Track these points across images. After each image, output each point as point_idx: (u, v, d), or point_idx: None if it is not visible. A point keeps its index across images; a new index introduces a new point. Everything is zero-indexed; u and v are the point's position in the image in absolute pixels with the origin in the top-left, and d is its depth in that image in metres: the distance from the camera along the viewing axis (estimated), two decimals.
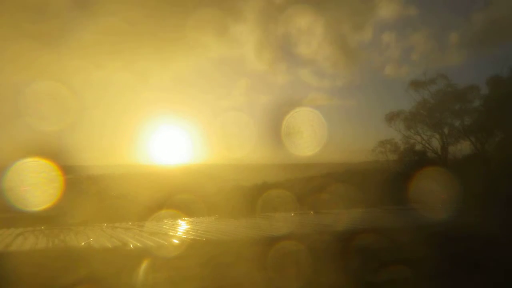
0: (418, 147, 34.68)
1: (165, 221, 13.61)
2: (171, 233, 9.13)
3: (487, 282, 6.34)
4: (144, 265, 4.78)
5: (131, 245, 7.58)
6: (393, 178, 38.21)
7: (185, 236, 8.43)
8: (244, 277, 3.77)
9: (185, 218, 14.21)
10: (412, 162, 35.52)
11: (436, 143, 34.17)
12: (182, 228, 10.83)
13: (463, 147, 33.01)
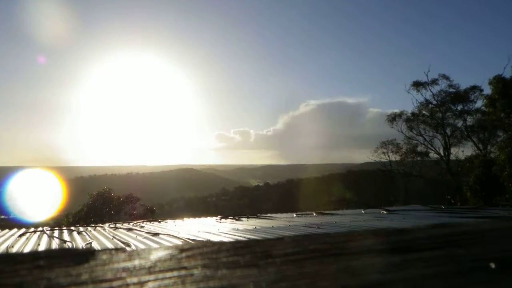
0: (420, 148, 34.65)
1: (167, 221, 13.62)
2: (172, 234, 9.12)
3: None
4: (146, 266, 4.74)
5: (133, 246, 7.59)
6: (395, 179, 38.22)
7: (187, 237, 8.43)
8: (243, 278, 3.73)
9: (187, 218, 14.21)
10: (414, 163, 35.49)
11: (438, 144, 34.13)
12: (184, 228, 10.82)
13: (465, 148, 32.96)
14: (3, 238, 10.09)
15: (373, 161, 36.20)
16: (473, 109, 32.71)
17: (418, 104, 34.28)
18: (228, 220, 12.87)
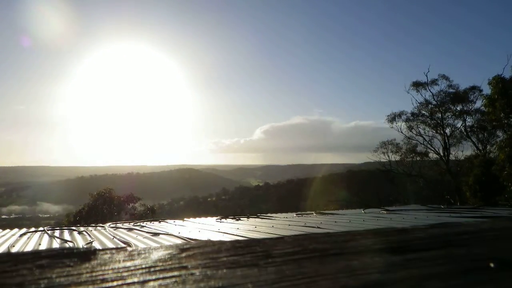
0: (420, 148, 34.68)
1: (168, 221, 13.62)
2: (173, 233, 9.12)
3: None
4: (147, 266, 4.74)
5: (134, 246, 7.59)
6: (395, 179, 38.22)
7: (187, 236, 8.43)
8: (243, 278, 3.74)
9: (188, 218, 14.20)
10: (414, 163, 35.51)
11: (438, 144, 34.16)
12: (184, 227, 10.83)
13: (465, 148, 33.01)
14: (4, 237, 10.09)
15: (373, 161, 36.26)
16: (472, 109, 32.77)
17: (418, 104, 34.37)
18: (228, 220, 12.87)
